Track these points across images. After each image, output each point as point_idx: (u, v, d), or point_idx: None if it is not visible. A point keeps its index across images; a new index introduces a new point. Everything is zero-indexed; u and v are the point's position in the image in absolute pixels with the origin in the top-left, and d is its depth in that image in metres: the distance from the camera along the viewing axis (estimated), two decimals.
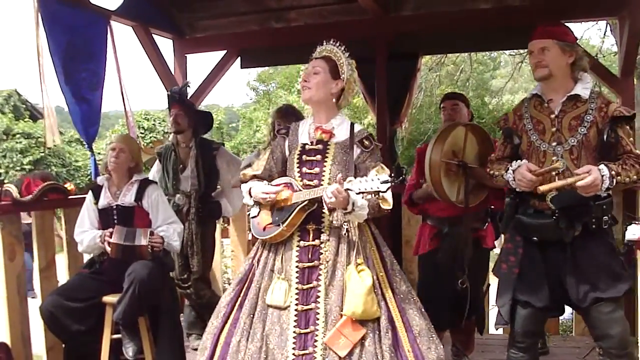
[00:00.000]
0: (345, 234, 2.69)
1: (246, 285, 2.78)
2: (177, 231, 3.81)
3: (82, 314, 3.55)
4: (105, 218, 3.76)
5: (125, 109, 4.53)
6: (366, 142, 2.82)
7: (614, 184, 2.52)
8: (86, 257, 4.05)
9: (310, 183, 2.76)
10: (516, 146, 2.84)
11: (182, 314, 4.67)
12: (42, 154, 16.95)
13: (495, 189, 3.52)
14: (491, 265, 3.82)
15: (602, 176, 2.49)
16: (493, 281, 3.84)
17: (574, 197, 2.58)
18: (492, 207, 3.71)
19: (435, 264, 3.63)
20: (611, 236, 2.74)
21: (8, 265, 3.74)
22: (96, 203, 3.79)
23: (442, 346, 2.69)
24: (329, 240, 2.70)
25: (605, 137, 2.63)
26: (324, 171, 2.76)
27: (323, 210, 2.71)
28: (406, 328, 2.64)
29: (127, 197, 3.77)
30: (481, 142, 3.44)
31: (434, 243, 3.69)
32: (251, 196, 2.85)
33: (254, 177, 2.94)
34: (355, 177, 2.57)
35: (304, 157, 2.82)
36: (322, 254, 2.69)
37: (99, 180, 3.88)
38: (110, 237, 3.58)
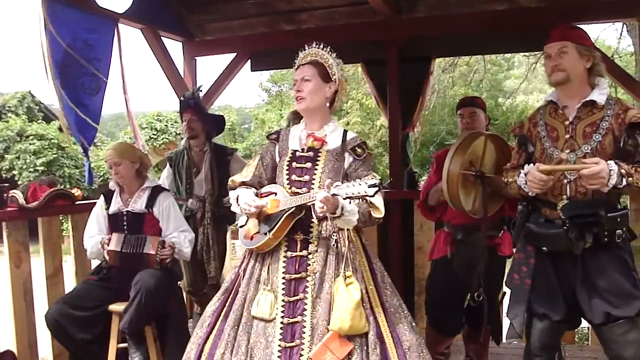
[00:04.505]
0: (334, 245, 2.62)
1: (232, 295, 2.71)
2: (188, 239, 3.76)
3: (88, 322, 3.51)
4: (115, 224, 3.72)
5: (128, 112, 4.48)
6: (358, 150, 2.75)
7: (623, 183, 2.39)
8: (94, 264, 4.01)
9: (299, 191, 2.68)
10: (531, 154, 2.75)
11: (190, 320, 4.62)
12: (55, 156, 17.02)
13: (511, 198, 3.44)
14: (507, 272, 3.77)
15: (610, 171, 2.37)
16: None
17: (584, 206, 2.50)
18: (508, 215, 3.62)
19: (450, 270, 3.55)
20: (626, 251, 2.60)
21: (14, 272, 3.73)
22: (107, 208, 3.75)
23: None
24: (317, 251, 2.63)
25: (622, 144, 2.53)
26: (314, 179, 2.70)
27: (312, 220, 2.65)
28: (395, 344, 2.55)
29: (138, 204, 3.73)
30: (499, 151, 3.35)
31: (449, 249, 3.60)
32: (238, 204, 2.77)
33: (243, 183, 2.86)
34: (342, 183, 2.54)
35: (293, 164, 2.75)
36: (309, 265, 2.61)
37: (111, 185, 3.84)
38: (109, 245, 3.54)
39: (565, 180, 2.57)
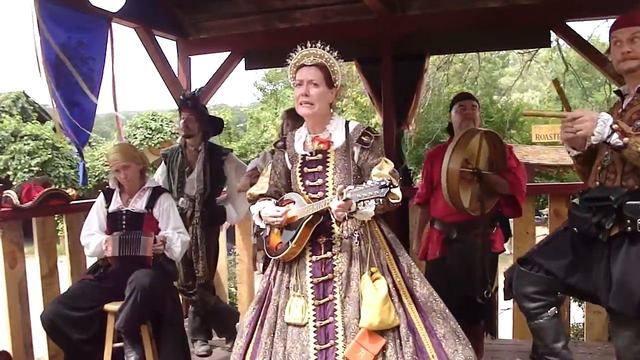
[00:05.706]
0: (356, 243, 2.61)
1: (265, 304, 2.74)
2: (181, 239, 3.75)
3: (84, 322, 3.49)
4: (114, 222, 3.70)
5: (116, 113, 4.47)
6: (365, 139, 2.71)
7: (614, 138, 2.30)
8: (89, 262, 4.00)
9: (315, 196, 2.68)
10: None
11: (186, 319, 4.61)
12: (50, 156, 17.00)
13: (506, 194, 3.45)
14: (500, 268, 3.77)
15: (598, 119, 2.31)
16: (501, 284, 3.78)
17: (600, 191, 2.48)
18: (501, 210, 3.62)
19: (445, 270, 3.55)
20: None
21: (9, 272, 3.72)
22: (107, 206, 3.74)
23: (470, 346, 2.62)
24: (340, 251, 2.63)
25: None
26: (327, 182, 2.69)
27: (332, 222, 2.64)
28: (429, 333, 2.56)
29: (138, 204, 3.73)
30: (492, 147, 3.35)
31: (444, 249, 3.60)
32: (261, 218, 2.79)
33: (261, 196, 2.88)
34: (360, 178, 2.60)
35: (305, 169, 2.75)
36: (335, 266, 2.62)
37: (111, 184, 3.83)
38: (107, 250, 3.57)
39: (599, 168, 2.55)
